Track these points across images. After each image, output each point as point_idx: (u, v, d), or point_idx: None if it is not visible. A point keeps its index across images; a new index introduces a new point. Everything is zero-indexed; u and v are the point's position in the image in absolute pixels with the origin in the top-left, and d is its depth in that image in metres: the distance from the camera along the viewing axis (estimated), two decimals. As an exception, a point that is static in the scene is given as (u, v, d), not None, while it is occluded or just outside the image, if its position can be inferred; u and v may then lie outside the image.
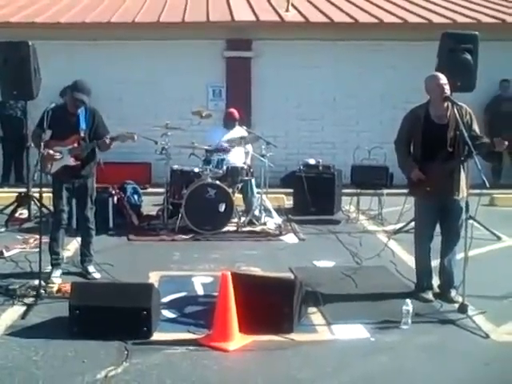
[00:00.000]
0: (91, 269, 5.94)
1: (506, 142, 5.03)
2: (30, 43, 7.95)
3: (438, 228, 5.41)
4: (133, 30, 11.07)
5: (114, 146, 5.81)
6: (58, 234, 5.86)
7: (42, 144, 5.45)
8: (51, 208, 7.50)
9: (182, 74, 11.05)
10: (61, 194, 5.78)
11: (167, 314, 4.92)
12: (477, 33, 7.80)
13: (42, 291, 5.20)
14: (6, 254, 6.52)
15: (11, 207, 8.20)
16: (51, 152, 5.63)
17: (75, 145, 5.72)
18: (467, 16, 11.61)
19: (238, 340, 4.35)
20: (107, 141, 5.69)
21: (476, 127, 5.26)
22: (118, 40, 10.91)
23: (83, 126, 5.73)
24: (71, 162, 5.72)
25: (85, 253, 6.01)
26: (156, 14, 11.39)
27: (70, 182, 5.81)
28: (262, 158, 8.21)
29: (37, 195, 6.21)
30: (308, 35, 11.12)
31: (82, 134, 5.73)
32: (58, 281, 5.59)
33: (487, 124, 9.96)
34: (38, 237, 5.48)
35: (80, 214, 6.03)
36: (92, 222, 6.00)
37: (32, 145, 6.27)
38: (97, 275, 5.87)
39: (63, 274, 5.84)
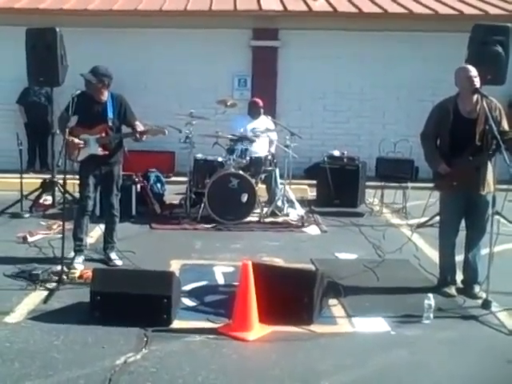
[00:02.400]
0: (113, 256, 5.97)
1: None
2: (57, 30, 7.99)
3: (462, 222, 5.33)
4: (160, 18, 11.06)
5: (144, 138, 5.80)
6: (82, 221, 5.88)
7: (67, 130, 5.48)
8: (75, 195, 7.58)
9: (208, 63, 11.04)
10: (87, 181, 5.77)
11: (187, 302, 4.93)
12: (509, 25, 7.65)
13: (64, 277, 5.25)
14: (30, 240, 6.59)
15: (36, 193, 8.29)
16: (76, 140, 5.64)
17: (103, 134, 5.71)
18: (499, 7, 11.38)
19: (257, 330, 4.33)
20: (138, 134, 5.68)
21: (505, 123, 5.15)
22: (144, 28, 10.93)
23: (110, 114, 5.70)
24: (99, 151, 5.71)
25: (108, 240, 6.04)
26: (183, 3, 11.38)
27: (97, 170, 5.80)
28: (286, 149, 8.17)
29: (61, 182, 6.25)
30: (335, 25, 11.02)
31: (110, 124, 5.71)
32: (80, 267, 5.63)
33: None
34: (61, 223, 5.51)
35: (105, 200, 6.02)
36: (117, 209, 6.00)
37: (57, 131, 6.30)
38: (118, 262, 5.90)
39: (85, 260, 5.87)
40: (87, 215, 5.89)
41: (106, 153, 5.75)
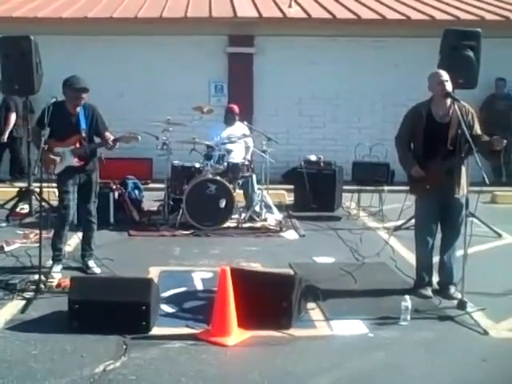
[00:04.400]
0: (91, 264, 5.94)
1: (505, 140, 5.03)
2: (32, 38, 7.94)
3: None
4: (135, 25, 11.05)
5: (117, 146, 5.78)
6: (62, 231, 5.83)
7: (43, 146, 5.41)
8: (52, 203, 7.53)
9: (184, 70, 11.05)
10: (67, 191, 5.75)
11: (166, 308, 4.93)
12: (479, 30, 7.77)
13: (42, 286, 5.20)
14: (7, 249, 6.52)
15: (12, 202, 8.22)
16: (52, 157, 5.64)
17: (77, 145, 5.71)
18: (470, 13, 11.57)
19: (236, 335, 4.35)
20: (110, 142, 5.68)
21: (477, 127, 5.25)
22: (119, 35, 10.91)
23: (84, 125, 5.70)
24: (75, 162, 5.72)
25: (85, 247, 6.01)
26: (158, 10, 11.39)
27: (75, 179, 5.79)
28: (263, 154, 8.21)
29: (38, 190, 6.21)
30: (310, 31, 11.10)
31: (84, 134, 5.71)
32: (58, 276, 5.60)
33: (482, 122, 9.90)
34: (38, 232, 5.47)
35: (83, 208, 5.95)
36: (94, 216, 5.99)
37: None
38: (97, 270, 5.87)
39: (63, 268, 5.84)
40: (67, 225, 5.84)
41: (82, 163, 5.75)
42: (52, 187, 5.91)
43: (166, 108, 10.28)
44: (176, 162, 8.09)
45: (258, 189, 8.36)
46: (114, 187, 7.93)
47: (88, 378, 3.75)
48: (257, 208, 8.25)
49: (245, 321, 4.43)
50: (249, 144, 8.56)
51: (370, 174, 8.62)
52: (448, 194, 5.21)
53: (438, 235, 5.40)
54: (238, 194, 8.23)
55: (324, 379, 3.85)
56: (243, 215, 8.06)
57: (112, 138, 5.74)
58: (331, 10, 11.58)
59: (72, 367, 3.89)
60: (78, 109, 5.68)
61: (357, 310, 4.96)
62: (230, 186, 7.73)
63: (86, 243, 6.01)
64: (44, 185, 5.54)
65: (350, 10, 11.65)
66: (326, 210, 8.72)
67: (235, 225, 7.84)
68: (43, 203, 5.82)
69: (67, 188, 5.75)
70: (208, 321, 4.51)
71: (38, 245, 5.43)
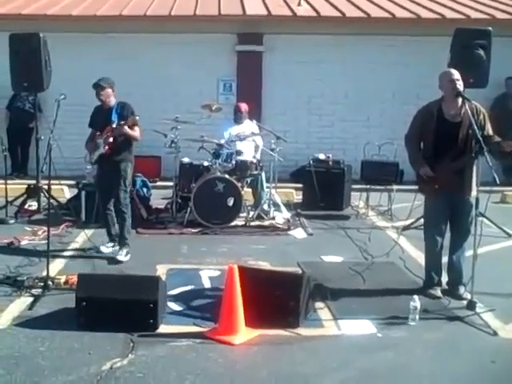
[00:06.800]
0: (122, 251, 6.24)
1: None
2: (41, 35, 7.97)
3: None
4: (144, 23, 11.05)
5: (128, 131, 6.17)
6: (105, 219, 6.41)
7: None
8: (60, 200, 7.55)
9: (193, 68, 11.04)
10: (101, 180, 6.40)
11: (174, 306, 4.92)
12: (490, 29, 7.72)
13: (50, 282, 5.22)
14: (16, 246, 6.54)
15: (21, 199, 8.23)
16: (91, 146, 6.39)
17: (108, 134, 6.25)
18: (481, 11, 11.50)
19: (243, 334, 4.34)
20: (118, 125, 6.19)
21: (489, 127, 5.20)
22: (128, 33, 10.91)
23: (114, 118, 6.26)
24: (102, 150, 6.24)
25: (118, 235, 6.37)
26: (167, 8, 11.38)
27: (105, 167, 6.32)
28: (271, 153, 8.19)
29: (46, 187, 6.22)
30: (320, 30, 11.06)
31: (114, 126, 6.25)
32: (105, 250, 6.24)
33: (492, 121, 9.85)
34: (46, 228, 5.48)
35: (113, 196, 6.35)
36: (124, 204, 6.31)
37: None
38: (123, 258, 6.15)
39: (71, 263, 5.83)
40: (109, 213, 6.37)
41: (109, 150, 6.19)
42: (60, 184, 5.92)
43: (175, 106, 10.28)
44: (184, 160, 8.09)
45: (267, 187, 8.33)
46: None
47: (95, 376, 3.75)
48: (265, 206, 8.22)
49: (252, 319, 4.41)
50: (258, 143, 8.53)
51: (379, 173, 8.57)
52: (457, 195, 5.18)
53: (448, 235, 5.37)
54: (247, 193, 8.21)
55: (331, 379, 3.83)
56: (251, 213, 8.04)
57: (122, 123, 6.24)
58: (341, 8, 11.53)
59: (79, 364, 3.90)
60: (111, 105, 6.32)
61: (365, 309, 4.93)
62: (238, 185, 7.71)
63: (119, 231, 6.38)
64: (52, 182, 5.55)
65: (359, 8, 11.60)
66: (335, 209, 8.70)
67: (243, 223, 7.82)
68: (51, 200, 5.82)
69: (100, 178, 6.42)
70: (215, 319, 4.50)
71: (46, 242, 5.43)
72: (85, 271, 5.55)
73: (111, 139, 6.19)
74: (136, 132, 6.26)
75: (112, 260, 6.12)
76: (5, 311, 4.73)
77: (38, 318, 4.63)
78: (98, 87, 6.24)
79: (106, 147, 6.21)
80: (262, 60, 11.33)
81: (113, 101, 6.35)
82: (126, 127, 6.13)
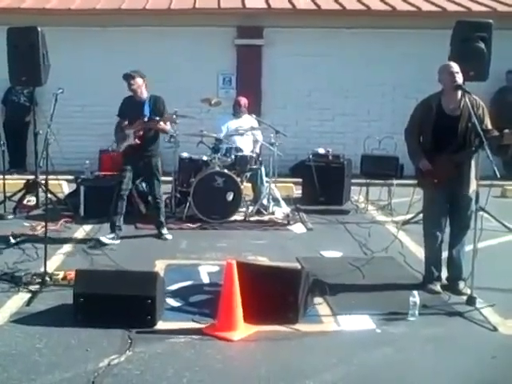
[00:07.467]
0: (164, 231, 6.87)
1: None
2: (39, 29, 7.91)
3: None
4: (143, 16, 11.01)
5: (162, 126, 6.64)
6: (117, 204, 6.57)
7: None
8: (59, 195, 7.51)
9: (192, 62, 10.99)
10: (125, 168, 6.59)
11: (172, 302, 4.90)
12: (491, 21, 7.67)
13: (48, 278, 5.19)
14: (13, 241, 6.51)
15: (19, 194, 8.20)
16: (121, 135, 6.64)
17: (139, 127, 6.51)
18: (482, 4, 11.43)
19: (242, 330, 4.31)
20: (153, 119, 6.50)
21: (488, 121, 5.16)
22: (127, 27, 10.85)
23: (146, 111, 6.53)
24: (132, 141, 6.53)
25: (157, 220, 6.88)
26: (167, 1, 11.32)
27: (135, 160, 6.58)
28: (271, 147, 8.15)
29: (44, 182, 6.19)
30: (320, 23, 11.02)
31: (146, 119, 6.53)
32: (106, 241, 6.31)
33: (492, 115, 9.80)
34: (44, 224, 5.45)
35: (148, 189, 7.04)
36: (159, 196, 6.87)
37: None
38: (168, 236, 6.79)
39: (69, 259, 5.80)
40: (121, 199, 6.58)
41: (139, 142, 6.49)
42: (58, 179, 5.89)
43: (174, 100, 10.16)
44: (183, 155, 8.06)
45: (266, 182, 8.30)
46: (121, 179, 7.88)
47: (92, 372, 3.73)
48: (264, 201, 8.19)
49: (251, 315, 4.39)
50: (257, 137, 8.50)
51: (379, 168, 8.54)
52: (456, 189, 5.15)
53: (447, 229, 5.33)
54: (246, 187, 8.17)
55: (331, 375, 3.81)
56: (251, 208, 8.01)
57: (157, 118, 6.54)
58: (341, 1, 11.46)
59: (76, 361, 3.87)
60: (144, 97, 6.58)
61: (364, 305, 4.91)
62: (238, 179, 7.67)
63: (157, 217, 6.87)
64: (50, 177, 5.51)
65: (359, 1, 11.52)
66: (334, 204, 8.67)
67: (243, 218, 7.80)
68: (50, 195, 5.79)
69: (126, 166, 6.60)
70: (214, 315, 4.47)
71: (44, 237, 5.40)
72: (83, 267, 5.51)
73: (141, 132, 6.47)
74: (168, 126, 6.70)
75: (159, 236, 6.80)
76: (2, 307, 4.71)
77: (35, 315, 4.60)
78: (129, 77, 6.43)
79: (136, 140, 6.48)
80: (261, 54, 11.29)
81: (145, 93, 6.57)
82: (161, 123, 6.48)
